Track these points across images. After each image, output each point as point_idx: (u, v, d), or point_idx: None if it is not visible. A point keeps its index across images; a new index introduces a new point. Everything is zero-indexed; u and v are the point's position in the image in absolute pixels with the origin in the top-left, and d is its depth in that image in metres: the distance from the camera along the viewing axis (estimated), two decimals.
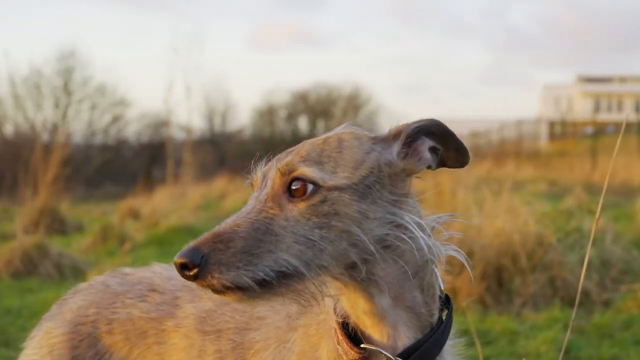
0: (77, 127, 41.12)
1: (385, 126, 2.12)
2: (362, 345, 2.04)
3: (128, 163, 41.45)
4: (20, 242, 10.08)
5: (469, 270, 2.21)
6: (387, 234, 1.97)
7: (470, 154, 2.12)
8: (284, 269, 1.85)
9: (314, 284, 1.92)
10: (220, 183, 27.35)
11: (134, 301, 2.43)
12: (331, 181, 1.93)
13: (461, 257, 2.14)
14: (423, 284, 2.05)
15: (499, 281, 6.96)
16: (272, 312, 2.26)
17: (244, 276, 1.81)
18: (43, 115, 39.43)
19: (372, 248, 1.94)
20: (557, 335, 5.68)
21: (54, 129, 38.45)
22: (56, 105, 39.83)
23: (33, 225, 14.11)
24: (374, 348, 2.03)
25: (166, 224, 14.16)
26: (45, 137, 35.78)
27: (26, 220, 14.43)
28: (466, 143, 2.17)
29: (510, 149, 33.27)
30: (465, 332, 5.94)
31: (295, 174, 1.93)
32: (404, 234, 1.98)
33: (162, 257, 10.80)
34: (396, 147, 2.06)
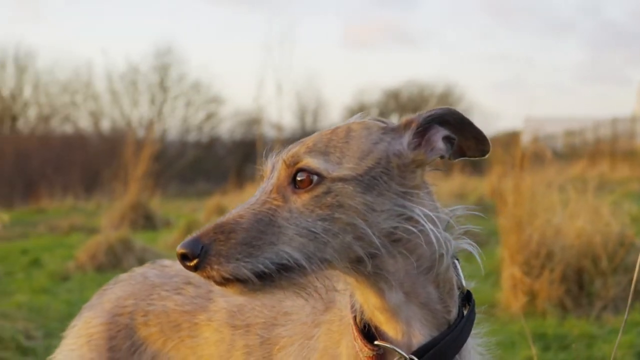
0: (172, 124, 41.96)
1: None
2: (375, 342, 1.99)
3: (221, 160, 42.08)
4: (105, 236, 10.34)
5: (480, 264, 2.12)
6: (396, 227, 1.91)
7: (490, 142, 2.03)
8: (285, 261, 1.82)
9: (317, 277, 1.88)
10: None
11: (170, 293, 2.44)
12: (335, 172, 1.89)
13: (474, 251, 2.06)
14: (438, 279, 1.98)
15: (579, 283, 6.73)
16: (299, 308, 2.23)
17: (243, 268, 1.79)
18: (139, 112, 40.43)
19: (377, 242, 1.89)
20: (635, 339, 5.46)
21: (150, 125, 39.36)
22: (152, 102, 40.76)
23: (122, 221, 14.52)
24: (387, 345, 1.98)
25: None
26: (141, 133, 36.75)
27: (115, 216, 14.84)
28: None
29: (605, 148, 32.30)
30: (543, 336, 5.77)
31: (299, 165, 1.91)
32: (414, 227, 1.92)
33: None
34: (407, 137, 2.00)
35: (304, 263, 1.83)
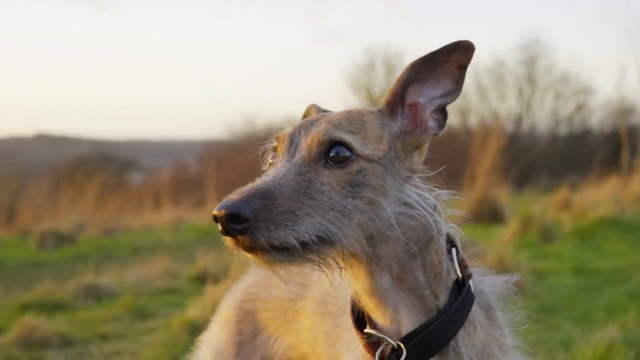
0: (541, 117, 41.18)
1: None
2: (365, 330, 2.01)
3: (591, 153, 40.35)
4: None
5: (459, 250, 2.06)
6: (399, 212, 1.93)
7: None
8: (321, 233, 1.82)
9: (342, 251, 1.89)
10: None
11: (280, 282, 2.57)
12: (366, 151, 1.92)
13: (456, 235, 2.05)
14: (425, 263, 1.97)
15: None
16: None
17: (290, 236, 1.78)
18: (506, 106, 40.25)
19: (393, 221, 1.91)
20: None
21: (518, 119, 39.11)
22: (520, 95, 40.34)
23: (469, 215, 14.76)
24: (375, 333, 1.99)
25: (594, 215, 13.55)
26: (509, 127, 36.76)
27: (464, 209, 15.10)
28: None
29: None
30: None
31: (335, 140, 1.92)
32: (410, 211, 1.93)
33: (581, 250, 10.44)
34: (398, 121, 2.01)
35: (339, 235, 1.84)
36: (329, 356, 2.30)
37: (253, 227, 1.76)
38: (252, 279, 2.72)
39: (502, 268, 7.37)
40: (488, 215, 15.40)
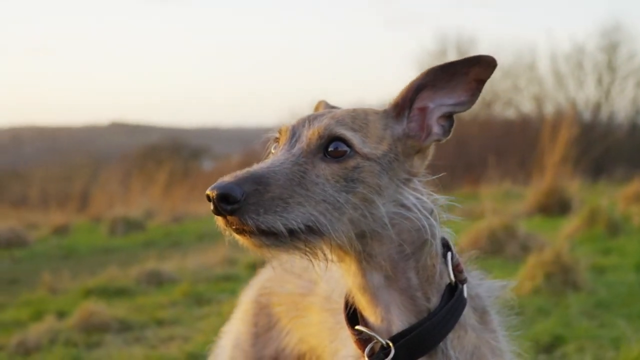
0: (622, 105, 40.01)
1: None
2: (356, 327, 2.05)
3: None
4: (488, 222, 10.44)
5: (455, 254, 2.07)
6: (394, 212, 1.96)
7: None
8: (310, 223, 1.87)
9: (331, 244, 1.93)
10: None
11: (293, 277, 2.67)
12: (365, 149, 1.96)
13: (451, 240, 2.05)
14: (418, 265, 2.00)
15: None
16: None
17: (278, 221, 1.83)
18: (585, 94, 39.23)
19: (387, 220, 1.94)
20: None
21: (596, 107, 38.14)
22: (599, 83, 39.24)
23: (536, 206, 14.60)
24: (366, 331, 2.02)
25: None
26: (586, 116, 35.96)
27: (531, 201, 14.93)
28: None
29: None
30: None
31: (335, 135, 1.96)
32: (407, 213, 1.96)
33: None
34: (403, 124, 2.04)
35: (328, 227, 1.89)
36: (330, 352, 2.37)
37: (243, 208, 1.81)
38: (267, 274, 2.82)
39: (558, 263, 7.27)
40: (556, 206, 15.08)
